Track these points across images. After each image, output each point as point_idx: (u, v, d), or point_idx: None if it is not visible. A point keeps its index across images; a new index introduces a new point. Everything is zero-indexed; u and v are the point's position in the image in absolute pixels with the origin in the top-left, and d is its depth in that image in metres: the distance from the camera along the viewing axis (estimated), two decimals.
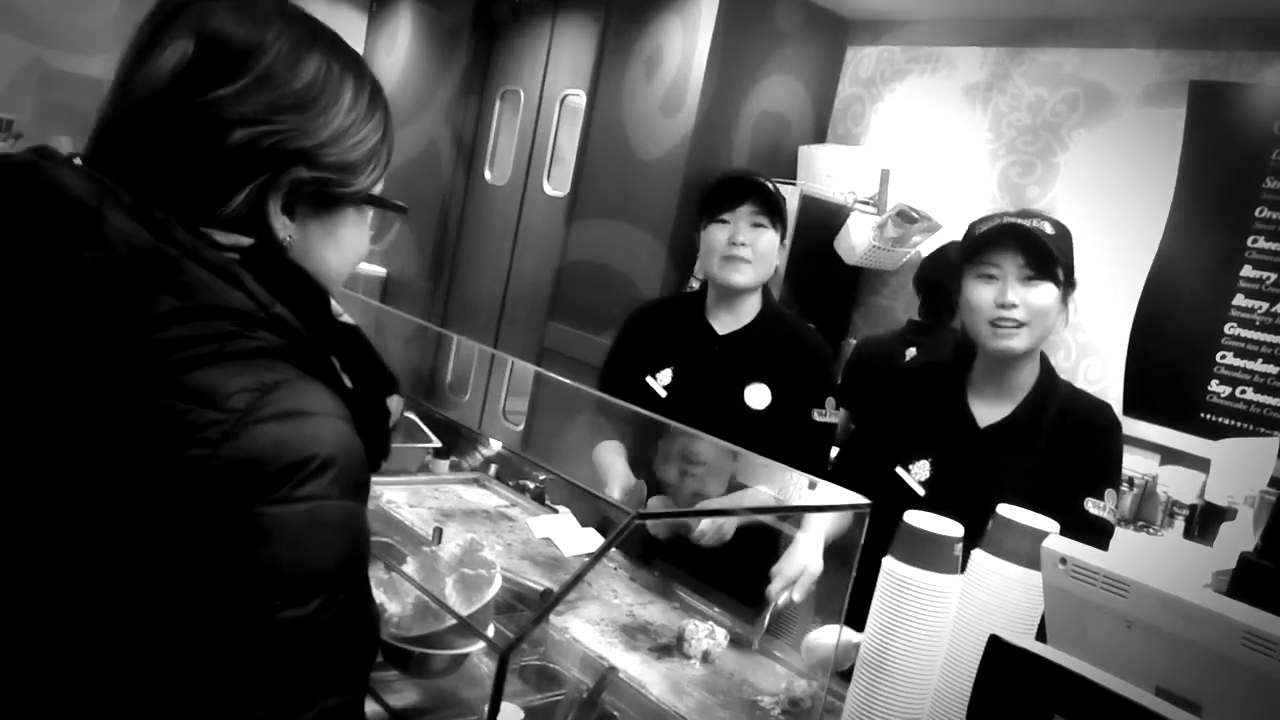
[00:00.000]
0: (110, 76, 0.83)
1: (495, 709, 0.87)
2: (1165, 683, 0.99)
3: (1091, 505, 1.62)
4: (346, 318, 0.86)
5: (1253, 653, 0.95)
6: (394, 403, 0.86)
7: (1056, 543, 1.07)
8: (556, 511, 2.21)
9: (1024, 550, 1.17)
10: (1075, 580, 1.05)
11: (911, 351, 3.11)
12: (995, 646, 0.96)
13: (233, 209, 0.79)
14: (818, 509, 1.38)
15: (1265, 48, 3.25)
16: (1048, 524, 1.18)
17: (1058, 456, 1.69)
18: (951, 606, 1.12)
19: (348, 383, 0.81)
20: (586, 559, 1.94)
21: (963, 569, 1.21)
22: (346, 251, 0.90)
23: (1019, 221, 1.69)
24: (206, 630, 0.69)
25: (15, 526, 0.73)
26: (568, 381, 1.91)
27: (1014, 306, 1.66)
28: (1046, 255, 1.65)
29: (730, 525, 1.91)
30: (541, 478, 2.37)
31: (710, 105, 3.96)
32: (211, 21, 0.80)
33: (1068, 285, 1.70)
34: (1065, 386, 1.78)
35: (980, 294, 1.69)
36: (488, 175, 4.92)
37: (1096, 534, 1.59)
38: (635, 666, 1.53)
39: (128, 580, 0.70)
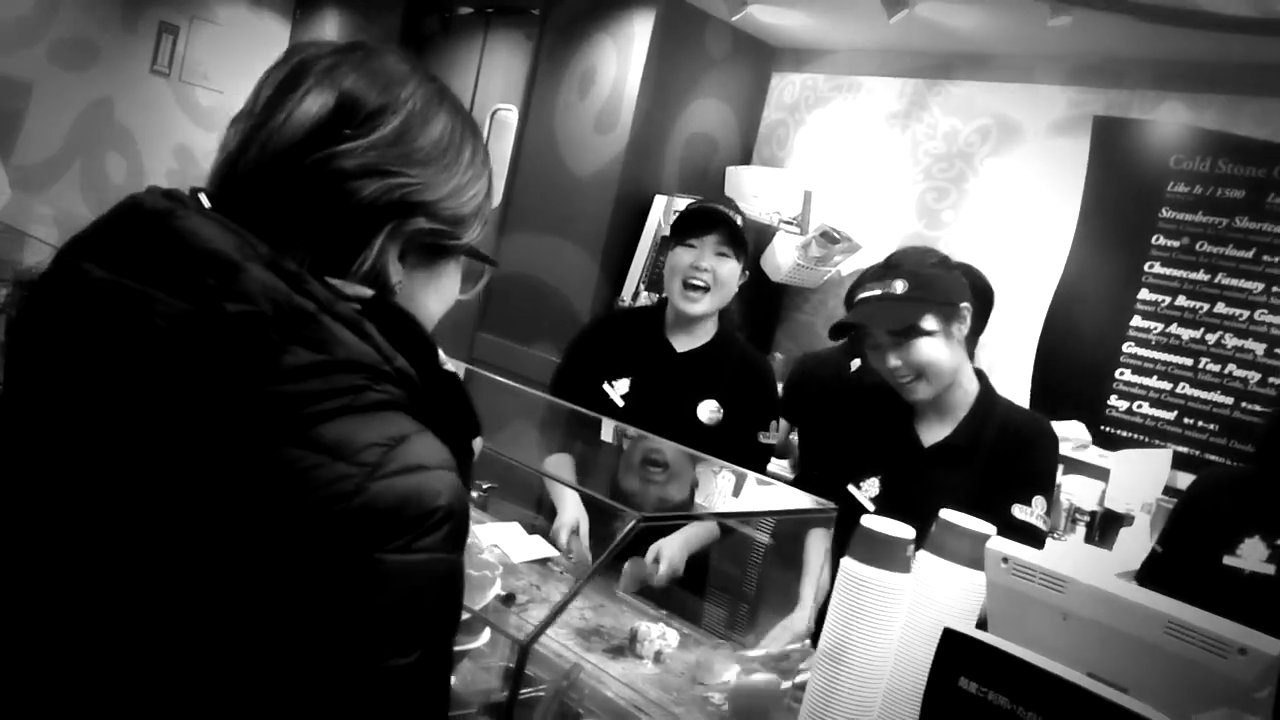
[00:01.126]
0: (25, 75, 0.84)
1: (514, 698, 0.92)
2: (1096, 669, 1.09)
3: (1019, 511, 1.75)
4: (449, 366, 0.88)
5: (1174, 639, 1.06)
6: (477, 444, 0.89)
7: (999, 544, 1.17)
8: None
9: (964, 552, 1.26)
10: (1016, 577, 1.15)
11: (856, 362, 3.15)
12: (949, 638, 1.05)
13: (367, 260, 0.83)
14: (795, 513, 1.46)
15: (1164, 87, 3.51)
16: (987, 528, 1.28)
17: (994, 469, 1.83)
18: (904, 603, 1.22)
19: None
20: (536, 564, 2.00)
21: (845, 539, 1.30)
22: (444, 298, 0.94)
23: (869, 295, 1.84)
24: (315, 673, 0.71)
25: (141, 569, 0.74)
26: (507, 382, 1.96)
27: (898, 367, 1.82)
28: (898, 319, 1.79)
29: (681, 562, 2.03)
30: (485, 486, 2.40)
31: (642, 125, 4.06)
32: (349, 77, 0.83)
33: (948, 322, 1.82)
34: (1003, 404, 1.92)
35: (874, 363, 1.87)
36: None
37: (1025, 538, 1.72)
38: (592, 667, 1.59)
39: (244, 624, 0.72)
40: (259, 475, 0.72)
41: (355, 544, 0.72)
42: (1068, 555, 3.19)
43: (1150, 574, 1.91)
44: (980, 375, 1.91)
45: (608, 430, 2.14)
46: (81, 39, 4.85)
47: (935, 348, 1.80)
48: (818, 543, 1.85)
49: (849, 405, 2.07)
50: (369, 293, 0.82)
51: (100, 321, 0.75)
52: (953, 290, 1.83)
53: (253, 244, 0.77)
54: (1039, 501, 1.78)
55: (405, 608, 0.73)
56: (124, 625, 0.74)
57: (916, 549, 1.28)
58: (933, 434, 1.90)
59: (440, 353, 0.87)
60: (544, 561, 2.05)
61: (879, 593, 1.19)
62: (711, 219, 2.19)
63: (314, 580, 0.71)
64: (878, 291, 1.82)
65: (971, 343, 2.97)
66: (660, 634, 1.72)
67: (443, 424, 0.82)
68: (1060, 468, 3.49)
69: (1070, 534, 3.31)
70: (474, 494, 2.43)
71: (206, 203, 0.81)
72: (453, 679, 1.11)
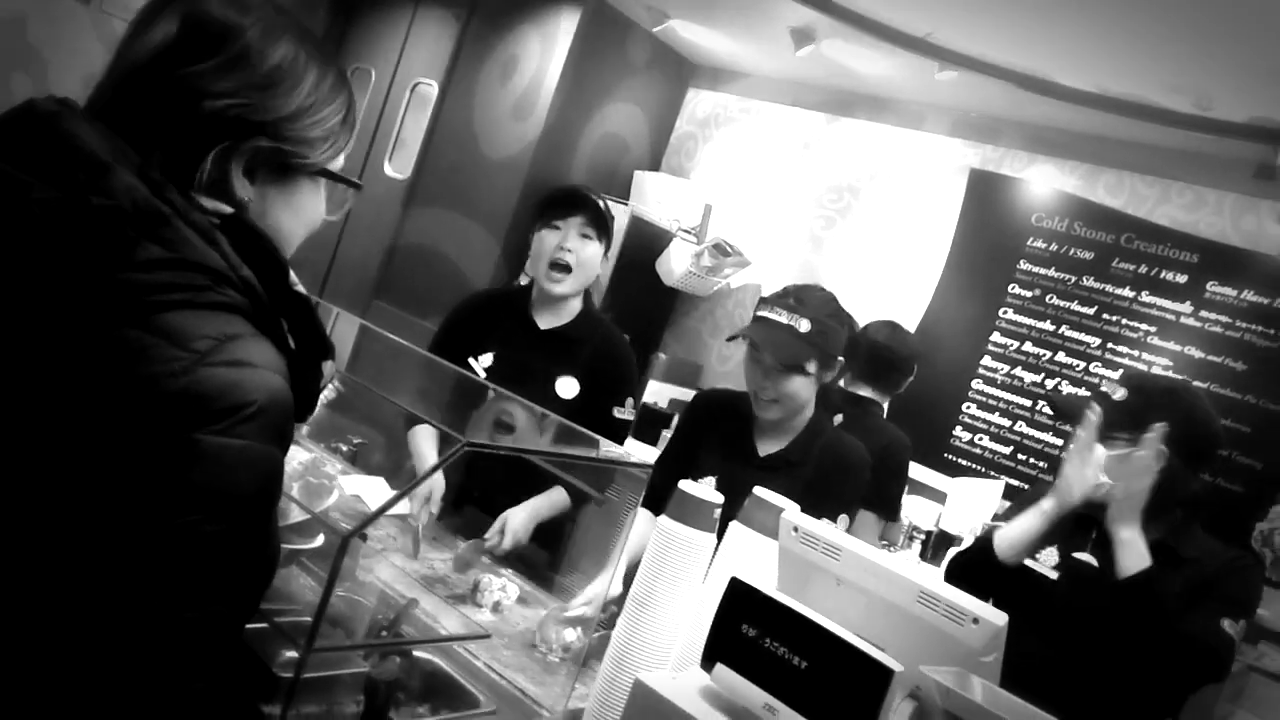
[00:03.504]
0: None
1: (330, 586, 1.04)
2: (860, 629, 1.26)
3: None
4: (300, 287, 0.98)
5: (924, 607, 1.24)
6: (327, 367, 0.99)
7: (792, 515, 1.34)
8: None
9: (769, 524, 1.44)
10: (803, 545, 1.32)
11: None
12: (734, 586, 1.22)
13: (204, 171, 0.92)
14: (606, 462, 1.61)
15: (1034, 149, 3.82)
16: (790, 504, 1.46)
17: (815, 484, 2.05)
18: (706, 558, 1.38)
19: (291, 344, 0.94)
20: (396, 518, 2.10)
21: (720, 538, 1.47)
22: (301, 218, 1.03)
23: (775, 319, 2.04)
24: (133, 530, 0.81)
25: None
26: (393, 337, 2.06)
27: (767, 388, 2.04)
28: (793, 355, 2.01)
29: (525, 533, 2.15)
30: (356, 442, 2.49)
31: (558, 117, 4.19)
32: (197, 7, 0.93)
33: (823, 369, 2.07)
34: (831, 430, 2.17)
35: (748, 372, 2.09)
36: None
37: None
38: (431, 607, 1.71)
39: (71, 482, 0.81)
40: (100, 349, 0.82)
41: (175, 422, 0.81)
42: (900, 565, 3.44)
43: (964, 561, 2.14)
44: (818, 406, 2.12)
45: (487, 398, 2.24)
46: None
47: (804, 386, 2.05)
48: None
49: (702, 413, 2.26)
50: (228, 209, 0.93)
51: None
52: (839, 346, 2.08)
53: (125, 150, 0.88)
54: (842, 519, 2.02)
55: (217, 482, 0.82)
56: None
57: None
58: (768, 446, 2.14)
59: (291, 273, 0.98)
60: (403, 518, 2.15)
61: (685, 547, 1.35)
62: (576, 201, 2.33)
63: (137, 451, 0.81)
64: (784, 320, 2.02)
65: (887, 393, 3.17)
66: (501, 586, 1.86)
67: (285, 336, 0.93)
68: (904, 488, 3.77)
69: (906, 549, 3.57)
70: (344, 447, 2.53)
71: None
72: (281, 575, 1.23)
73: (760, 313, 2.08)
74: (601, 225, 2.33)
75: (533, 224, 2.39)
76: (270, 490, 0.90)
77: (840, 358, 2.08)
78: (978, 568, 2.06)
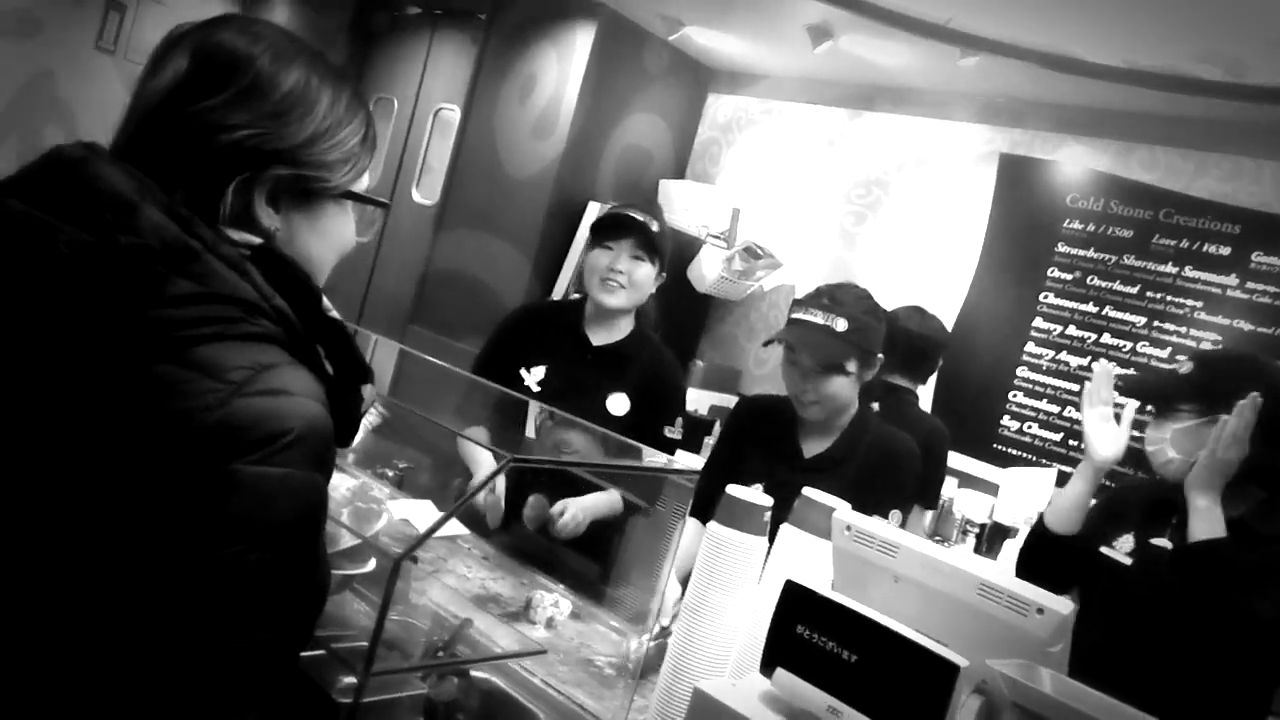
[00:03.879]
0: None
1: (385, 610, 1.04)
2: (920, 625, 1.23)
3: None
4: (334, 313, 0.98)
5: (985, 599, 1.21)
6: (367, 391, 0.99)
7: (844, 514, 1.32)
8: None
9: (821, 524, 1.42)
10: (856, 543, 1.30)
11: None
12: (789, 588, 1.20)
13: (227, 204, 0.92)
14: (653, 470, 1.60)
15: (1064, 130, 3.76)
16: (841, 503, 1.44)
17: (862, 479, 2.03)
18: (758, 562, 1.36)
19: (330, 370, 0.94)
20: (445, 539, 2.10)
21: (771, 542, 1.45)
22: (330, 242, 1.03)
23: (811, 320, 2.02)
24: (177, 565, 0.81)
25: (15, 470, 0.84)
26: (435, 360, 2.07)
27: (807, 391, 2.03)
28: (832, 355, 1.99)
29: (585, 519, 2.16)
30: (402, 466, 2.50)
31: (579, 133, 4.20)
32: (206, 41, 0.94)
33: (864, 368, 2.05)
34: (876, 424, 2.14)
35: (787, 376, 2.07)
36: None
37: None
38: (485, 626, 1.71)
39: (114, 521, 0.81)
40: (134, 387, 0.82)
41: (216, 453, 0.81)
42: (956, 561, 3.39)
43: (1026, 549, 2.09)
44: (861, 400, 2.10)
45: (530, 427, 2.25)
46: (25, 10, 4.83)
47: (845, 387, 2.03)
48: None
49: (745, 418, 2.25)
50: (257, 240, 0.94)
51: (12, 246, 0.86)
52: (877, 342, 2.06)
53: (152, 190, 0.89)
54: (895, 515, 1.98)
55: (258, 512, 0.82)
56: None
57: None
58: (813, 447, 2.12)
59: (325, 299, 0.97)
60: (453, 539, 2.16)
61: (736, 552, 1.33)
62: (627, 224, 2.32)
63: (177, 485, 0.81)
64: (820, 321, 2.00)
65: (920, 381, 3.14)
66: (554, 602, 1.85)
67: (322, 363, 0.92)
68: (955, 482, 3.72)
69: (960, 544, 3.52)
70: (390, 472, 2.54)
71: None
72: (334, 601, 1.23)
73: (795, 315, 2.06)
74: (653, 247, 2.33)
75: (589, 243, 2.41)
76: (314, 517, 0.89)
77: (880, 355, 2.06)
78: (1040, 551, 2.01)
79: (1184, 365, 1.93)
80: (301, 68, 0.97)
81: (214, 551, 0.81)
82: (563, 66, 4.23)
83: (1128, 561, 1.95)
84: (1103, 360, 1.94)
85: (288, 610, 0.87)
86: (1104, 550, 1.97)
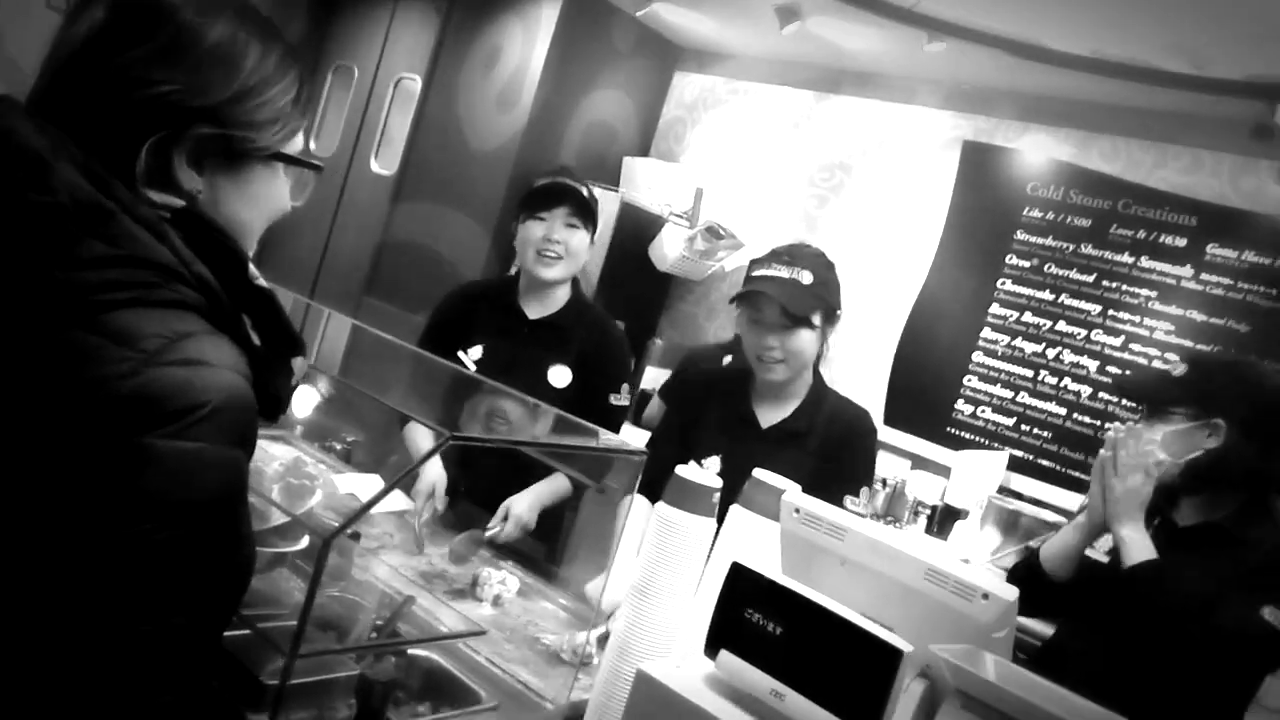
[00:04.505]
0: None
1: (313, 591, 1.00)
2: (868, 609, 1.22)
3: (849, 502, 1.92)
4: (262, 281, 0.92)
5: (931, 584, 1.20)
6: (298, 363, 0.94)
7: (793, 496, 1.31)
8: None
9: (771, 506, 1.40)
10: (805, 526, 1.29)
11: (728, 359, 3.25)
12: (736, 570, 1.18)
13: (140, 163, 0.86)
14: (604, 451, 1.58)
15: (1027, 118, 3.78)
16: (791, 485, 1.42)
17: (826, 455, 2.00)
18: (706, 543, 1.34)
19: (255, 340, 0.89)
20: (393, 515, 2.07)
21: (720, 523, 1.43)
22: (260, 207, 0.97)
23: (777, 275, 1.98)
24: (84, 540, 0.77)
25: None
26: (386, 336, 2.02)
27: (774, 349, 1.97)
28: (801, 306, 1.95)
29: (533, 516, 2.13)
30: (349, 439, 2.46)
31: (543, 107, 4.14)
32: None
33: (827, 323, 2.01)
34: (833, 395, 2.11)
35: (749, 335, 2.02)
36: (312, 145, 4.88)
37: None
38: (429, 604, 1.68)
39: (18, 490, 0.77)
40: (46, 354, 0.78)
41: (128, 425, 0.77)
42: (907, 542, 3.41)
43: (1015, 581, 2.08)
44: (815, 369, 2.07)
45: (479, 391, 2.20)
46: None
47: (809, 341, 1.99)
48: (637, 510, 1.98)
49: (695, 389, 2.21)
50: (179, 203, 0.88)
51: None
52: (838, 298, 2.03)
53: (67, 145, 0.83)
54: (864, 493, 1.97)
55: (170, 487, 0.78)
56: None
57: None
58: (769, 416, 2.06)
59: (252, 266, 0.92)
60: (401, 514, 2.12)
61: (684, 533, 1.31)
62: (560, 192, 2.28)
63: (87, 456, 0.77)
64: (785, 275, 1.96)
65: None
66: (501, 579, 1.82)
67: (246, 333, 0.88)
68: (908, 464, 3.74)
69: (912, 524, 3.54)
70: (338, 445, 2.50)
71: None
72: (266, 579, 1.19)
73: (757, 273, 2.01)
74: (587, 213, 2.29)
75: (517, 215, 2.35)
76: (231, 494, 0.85)
77: (840, 310, 2.04)
78: (1029, 584, 1.99)
79: (1176, 367, 1.89)
80: (228, 21, 0.91)
81: (122, 529, 0.77)
82: (528, 39, 4.16)
83: (1104, 560, 1.95)
84: (1117, 424, 1.91)
85: (201, 591, 0.83)
86: (1087, 552, 1.96)
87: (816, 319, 1.98)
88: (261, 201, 0.97)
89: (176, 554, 0.80)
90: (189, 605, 0.81)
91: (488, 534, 2.04)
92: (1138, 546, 1.78)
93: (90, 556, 0.77)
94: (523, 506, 2.09)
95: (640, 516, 1.90)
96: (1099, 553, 1.97)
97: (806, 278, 1.96)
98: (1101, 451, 1.89)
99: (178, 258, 0.84)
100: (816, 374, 2.09)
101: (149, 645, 0.79)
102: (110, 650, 0.78)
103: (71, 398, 0.77)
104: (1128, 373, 3.45)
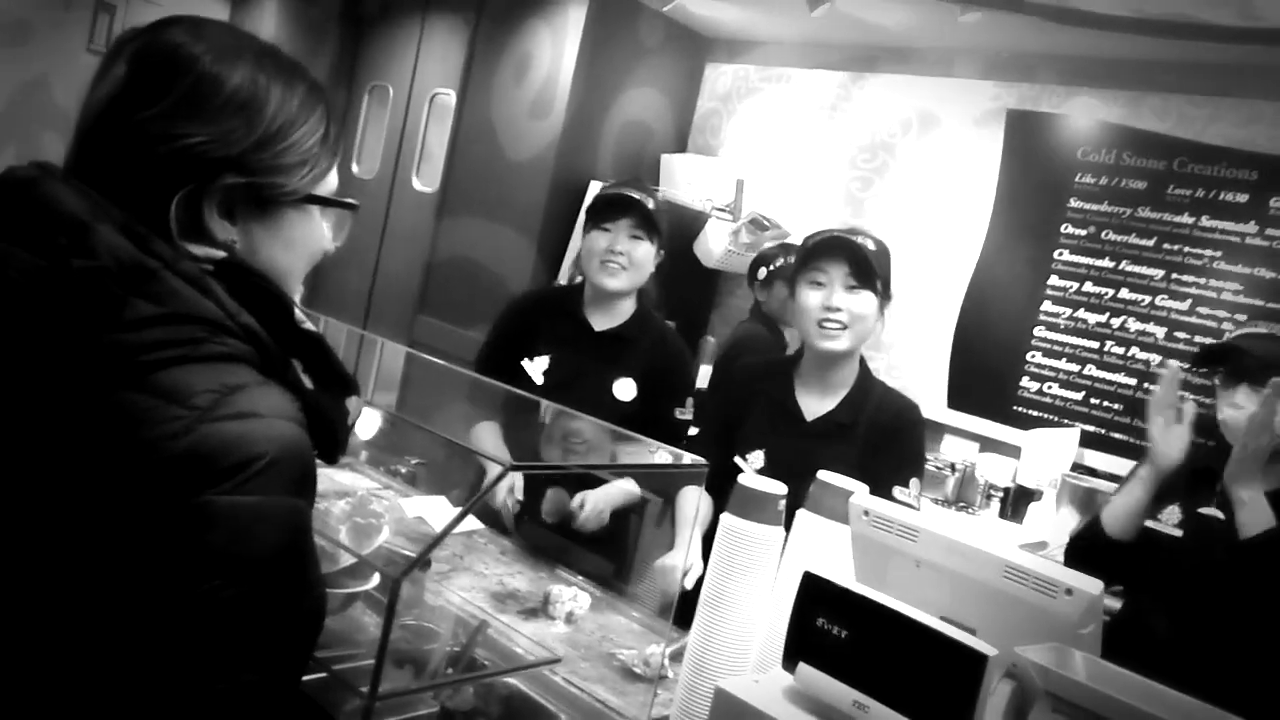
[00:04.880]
0: None
1: (387, 633, 1.00)
2: (947, 612, 1.20)
3: (898, 493, 1.88)
4: (309, 325, 0.92)
5: (1011, 582, 1.17)
6: (353, 403, 0.94)
7: (861, 499, 1.28)
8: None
9: (839, 509, 1.38)
10: (875, 529, 1.26)
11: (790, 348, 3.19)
12: (808, 580, 1.16)
13: (173, 218, 0.86)
14: (665, 467, 1.57)
15: (1072, 83, 3.67)
16: (858, 486, 1.39)
17: (873, 448, 1.95)
18: (775, 553, 1.33)
19: (308, 384, 0.89)
20: (462, 535, 2.08)
21: (788, 529, 1.41)
22: (296, 250, 0.96)
23: (845, 235, 1.92)
24: (151, 604, 0.77)
25: None
26: (440, 362, 2.04)
27: (838, 310, 1.90)
28: (868, 266, 1.90)
29: (606, 509, 2.13)
30: (414, 462, 2.48)
31: (577, 111, 4.13)
32: (144, 45, 0.89)
33: (885, 297, 1.96)
34: (879, 386, 2.06)
35: (809, 298, 1.94)
36: (355, 169, 4.94)
37: None
38: (502, 626, 1.68)
39: (81, 557, 0.78)
40: (96, 417, 0.78)
41: (186, 484, 0.77)
42: (981, 529, 3.35)
43: (1080, 547, 2.04)
44: (861, 359, 2.03)
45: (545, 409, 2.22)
46: (13, 16, 4.79)
47: (874, 308, 1.94)
48: (690, 495, 1.98)
49: (737, 381, 2.16)
50: (220, 254, 0.88)
51: None
52: (890, 277, 1.98)
53: (105, 208, 0.84)
54: (915, 483, 1.92)
55: (234, 543, 0.78)
56: None
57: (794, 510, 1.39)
58: (814, 408, 2.00)
59: (298, 310, 0.92)
60: (469, 535, 2.13)
61: (752, 544, 1.29)
62: (624, 204, 2.27)
63: (147, 519, 0.77)
64: (854, 238, 1.92)
65: None
66: (572, 596, 1.82)
67: (298, 379, 0.88)
68: (976, 447, 3.67)
69: (984, 509, 3.48)
70: (403, 469, 2.52)
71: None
72: (340, 619, 1.20)
73: (816, 240, 1.96)
74: (651, 225, 2.27)
75: (585, 226, 2.35)
76: (295, 544, 0.84)
77: (892, 293, 1.99)
78: (1094, 551, 1.95)
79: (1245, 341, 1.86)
80: (247, 66, 0.90)
81: (188, 589, 0.77)
82: (557, 44, 4.16)
83: (1177, 533, 1.89)
84: (1170, 362, 1.88)
85: (273, 644, 0.82)
86: (1150, 524, 1.91)
87: (879, 287, 1.93)
88: (298, 245, 0.96)
89: (245, 610, 0.79)
90: (262, 660, 0.81)
91: (573, 504, 2.11)
92: (1258, 511, 1.73)
93: (158, 619, 0.77)
94: (598, 496, 2.12)
95: (704, 513, 1.91)
96: (1166, 525, 1.91)
97: (871, 244, 1.93)
98: (1155, 389, 1.87)
99: (223, 310, 0.84)
100: (863, 364, 2.04)
101: (224, 703, 0.79)
102: (185, 712, 0.78)
103: (127, 461, 0.78)
104: (1133, 331, 3.34)
